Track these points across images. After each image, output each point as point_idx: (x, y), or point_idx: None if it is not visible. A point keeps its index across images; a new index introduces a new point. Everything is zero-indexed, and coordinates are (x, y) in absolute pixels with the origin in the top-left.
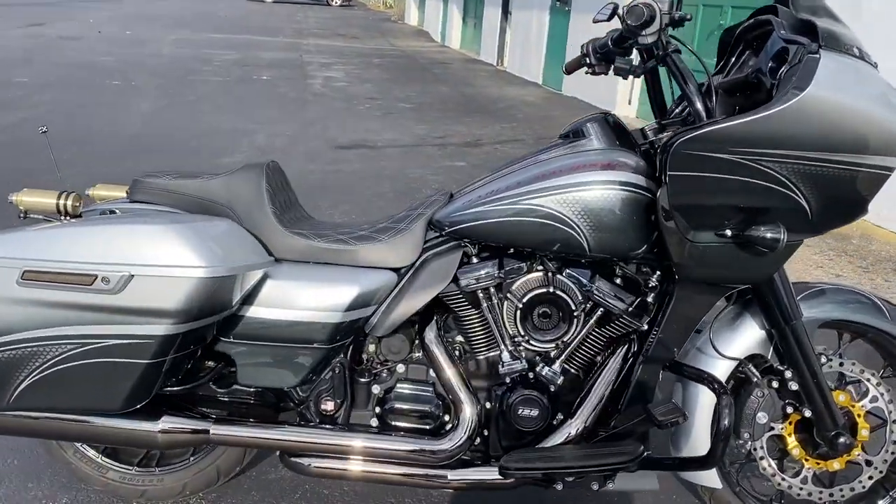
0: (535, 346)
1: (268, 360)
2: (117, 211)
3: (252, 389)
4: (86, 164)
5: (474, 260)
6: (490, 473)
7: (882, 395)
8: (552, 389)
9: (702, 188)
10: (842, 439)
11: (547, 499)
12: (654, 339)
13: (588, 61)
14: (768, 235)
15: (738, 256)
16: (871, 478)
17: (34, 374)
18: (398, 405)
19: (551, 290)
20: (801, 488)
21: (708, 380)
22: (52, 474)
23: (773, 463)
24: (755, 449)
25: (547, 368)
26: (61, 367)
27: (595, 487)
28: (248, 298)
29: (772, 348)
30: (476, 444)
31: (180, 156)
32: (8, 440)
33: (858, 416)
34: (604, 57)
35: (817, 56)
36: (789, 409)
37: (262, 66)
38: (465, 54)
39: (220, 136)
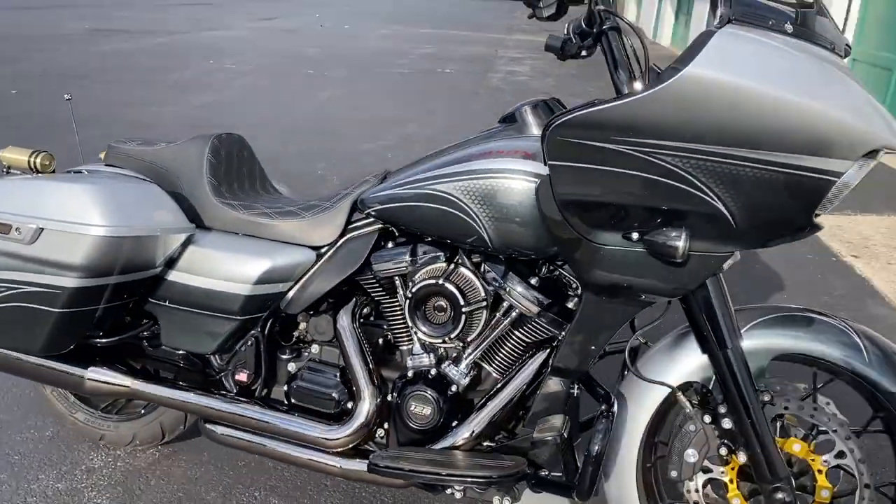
0: (435, 341)
1: (187, 325)
2: (84, 171)
3: (178, 352)
4: None
5: (390, 245)
6: None
7: (852, 451)
8: (453, 390)
9: (589, 182)
10: (780, 495)
11: None
12: (560, 350)
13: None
14: (665, 242)
15: (650, 265)
16: None
17: (15, 310)
18: (306, 386)
19: (440, 282)
20: None
21: (604, 398)
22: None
23: None
24: (688, 491)
25: (453, 367)
26: (20, 306)
27: (496, 503)
28: (172, 262)
29: (713, 379)
30: (378, 436)
31: (327, 139)
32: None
33: (819, 471)
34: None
35: (713, 31)
36: (723, 451)
37: (452, 60)
38: (674, 52)
39: (373, 124)
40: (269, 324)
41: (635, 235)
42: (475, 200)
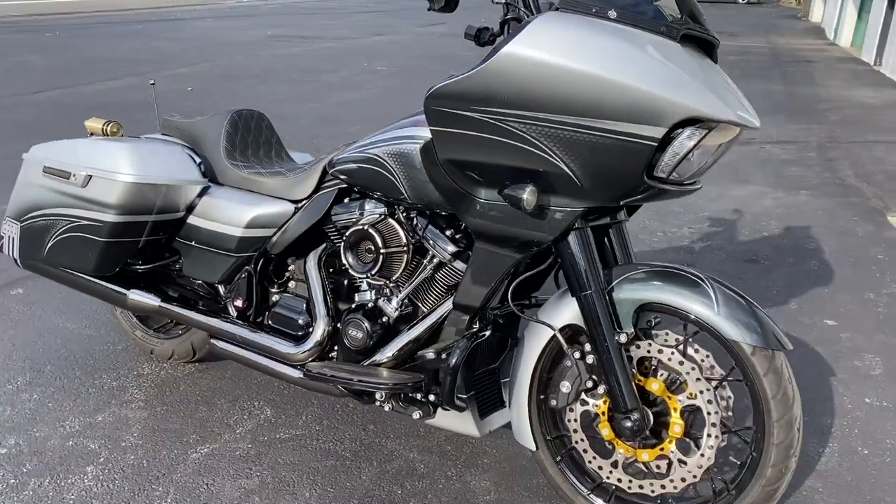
0: (360, 276)
1: (200, 259)
2: (141, 138)
3: (196, 282)
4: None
5: (346, 200)
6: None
7: (702, 392)
8: (383, 320)
9: (460, 145)
10: (627, 423)
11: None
12: (459, 289)
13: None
14: (517, 195)
15: (516, 217)
16: (683, 480)
17: (52, 238)
18: (280, 312)
19: (367, 229)
20: (610, 472)
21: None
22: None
23: (585, 439)
24: (569, 420)
25: (386, 302)
26: (63, 236)
27: (416, 416)
28: (191, 209)
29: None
30: (331, 355)
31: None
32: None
33: (675, 409)
34: None
35: (536, 14)
36: (589, 384)
37: None
38: (849, 53)
39: None
40: (260, 262)
41: (500, 191)
42: (396, 162)
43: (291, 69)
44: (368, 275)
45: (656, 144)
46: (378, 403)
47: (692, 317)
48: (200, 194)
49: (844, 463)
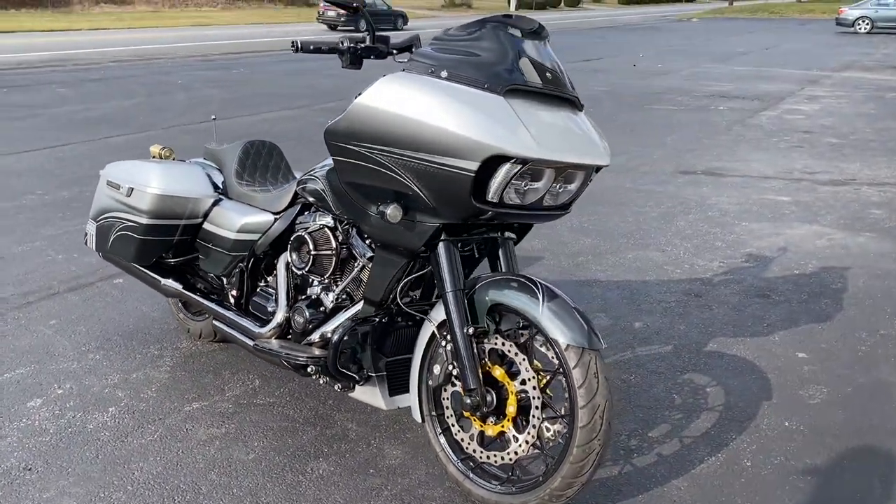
0: (299, 272)
1: (208, 256)
2: (187, 161)
3: (209, 274)
4: None
5: (306, 213)
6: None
7: (529, 380)
8: (321, 308)
9: (350, 171)
10: (468, 400)
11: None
12: (366, 285)
13: None
14: (383, 210)
15: (393, 229)
16: (516, 453)
17: (112, 235)
18: (258, 300)
19: (303, 234)
20: (468, 443)
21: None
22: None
23: (454, 415)
24: (444, 399)
25: (324, 294)
26: (118, 233)
27: (337, 388)
28: (206, 216)
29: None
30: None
31: None
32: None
33: (512, 393)
34: None
35: (385, 75)
36: (450, 367)
37: (730, 98)
38: None
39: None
40: (251, 261)
41: (379, 207)
42: (325, 184)
43: None
44: (304, 271)
45: (473, 175)
46: (313, 377)
47: (525, 316)
48: (213, 205)
49: (721, 471)
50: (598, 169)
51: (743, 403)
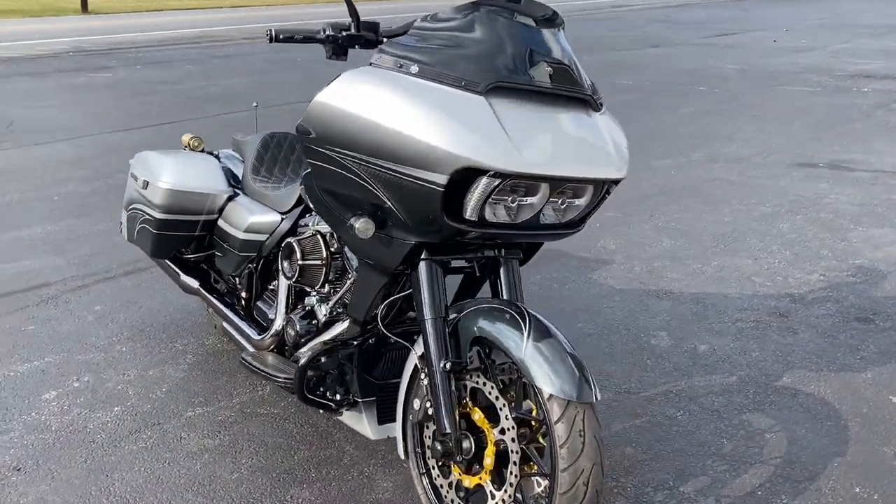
0: (288, 280)
1: (222, 254)
2: (217, 154)
3: (223, 273)
4: None
5: (307, 215)
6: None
7: (510, 429)
8: (312, 322)
9: (325, 175)
10: (438, 446)
11: None
12: (350, 299)
13: None
14: (353, 223)
15: (371, 243)
16: None
17: (136, 226)
18: (261, 305)
19: (292, 241)
20: (447, 491)
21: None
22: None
23: (434, 457)
24: (426, 437)
25: (318, 307)
26: (140, 225)
27: (321, 412)
28: (221, 212)
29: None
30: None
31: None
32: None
33: (490, 441)
34: None
35: (347, 70)
36: (428, 404)
37: (878, 78)
38: None
39: (693, 139)
40: (260, 263)
41: (349, 220)
42: (306, 187)
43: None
44: (292, 281)
45: (442, 189)
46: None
47: (509, 354)
48: (228, 201)
49: None
50: (615, 181)
51: (807, 458)
